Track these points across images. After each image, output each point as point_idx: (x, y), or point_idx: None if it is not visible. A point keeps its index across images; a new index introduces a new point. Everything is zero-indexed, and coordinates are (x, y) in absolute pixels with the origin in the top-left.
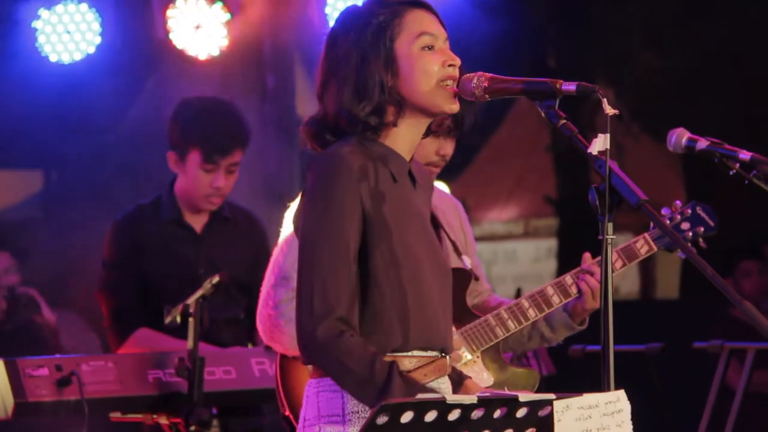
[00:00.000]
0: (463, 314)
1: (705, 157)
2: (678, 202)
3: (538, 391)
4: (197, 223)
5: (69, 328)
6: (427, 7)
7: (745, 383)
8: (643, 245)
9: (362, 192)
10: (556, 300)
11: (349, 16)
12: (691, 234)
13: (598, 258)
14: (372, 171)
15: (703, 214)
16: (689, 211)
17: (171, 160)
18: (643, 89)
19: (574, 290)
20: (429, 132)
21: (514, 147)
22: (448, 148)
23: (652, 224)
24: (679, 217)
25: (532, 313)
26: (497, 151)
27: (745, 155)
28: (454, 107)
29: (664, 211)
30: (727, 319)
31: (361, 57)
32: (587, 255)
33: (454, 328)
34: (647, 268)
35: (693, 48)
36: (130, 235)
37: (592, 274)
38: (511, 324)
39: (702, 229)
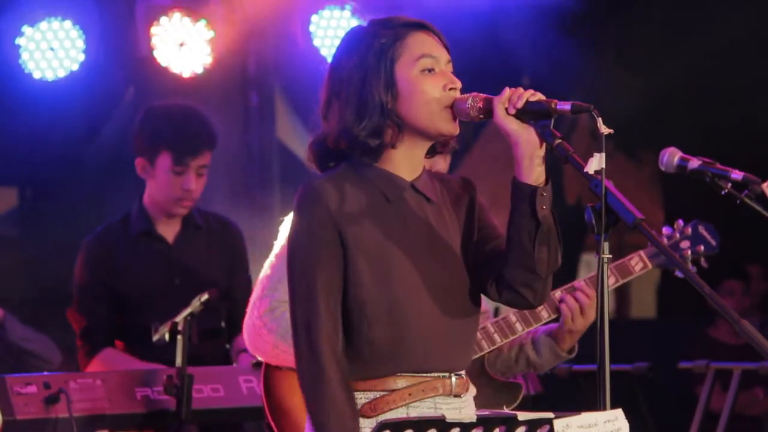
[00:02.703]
0: None
1: (696, 176)
2: (680, 221)
3: (523, 410)
4: (169, 233)
5: (37, 345)
6: (430, 29)
7: (731, 403)
8: (638, 262)
9: (336, 220)
10: (544, 315)
11: (353, 37)
12: (690, 252)
13: (580, 279)
14: (351, 195)
15: (705, 233)
16: (689, 230)
17: (139, 166)
18: (617, 108)
19: (562, 306)
20: (435, 152)
21: (488, 166)
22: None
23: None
24: (678, 235)
25: (519, 327)
26: (471, 171)
27: (737, 175)
28: (455, 130)
29: (665, 230)
30: (705, 339)
31: (362, 79)
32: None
33: None
34: (622, 287)
35: (668, 66)
36: (100, 256)
37: (573, 293)
38: (497, 337)
39: (702, 248)
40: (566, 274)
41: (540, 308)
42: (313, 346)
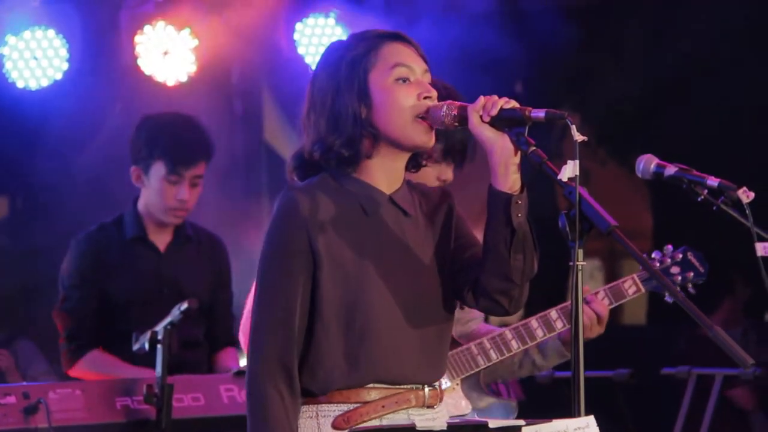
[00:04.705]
0: None
1: (673, 183)
2: (669, 246)
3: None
4: (161, 241)
5: (19, 352)
6: (406, 40)
7: (712, 409)
8: (632, 286)
9: (310, 231)
10: (539, 333)
11: (330, 50)
12: (680, 278)
13: (591, 292)
14: (327, 206)
15: (694, 260)
16: (680, 255)
17: (134, 175)
18: (610, 114)
19: (558, 325)
20: (419, 165)
21: (480, 172)
22: (449, 173)
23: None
24: (669, 260)
25: (514, 344)
26: (463, 177)
27: (713, 181)
28: (429, 142)
29: (654, 254)
30: (694, 339)
31: (336, 90)
32: (586, 288)
33: None
34: None
35: (660, 73)
36: (92, 254)
37: (588, 303)
38: (493, 354)
39: (692, 274)
40: (556, 280)
41: (556, 318)
42: (263, 354)
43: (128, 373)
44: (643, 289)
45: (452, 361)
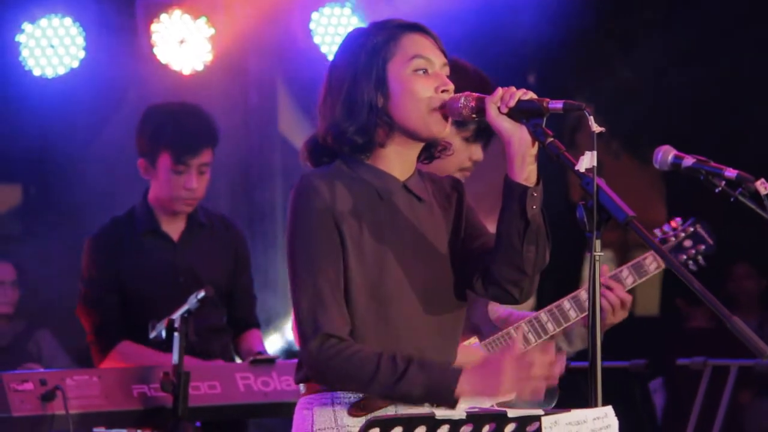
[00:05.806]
0: (484, 326)
1: (691, 174)
2: (678, 218)
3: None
4: (174, 231)
5: (41, 343)
6: (426, 32)
7: (728, 400)
8: (652, 262)
9: (333, 212)
10: (572, 314)
11: (350, 38)
12: (693, 252)
13: (613, 272)
14: (344, 192)
15: (703, 232)
16: (691, 228)
17: (142, 167)
18: (623, 106)
19: (588, 306)
20: (431, 157)
21: (495, 162)
22: (479, 152)
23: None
24: (682, 234)
25: (550, 327)
26: (477, 170)
27: (731, 173)
28: (444, 132)
29: (665, 228)
30: (686, 330)
31: (354, 77)
32: (605, 268)
33: (476, 341)
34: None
35: (673, 65)
36: (107, 250)
37: (611, 289)
38: (531, 337)
39: (703, 247)
40: (571, 272)
41: (568, 307)
42: (315, 330)
43: (159, 361)
44: (662, 265)
45: (493, 347)
